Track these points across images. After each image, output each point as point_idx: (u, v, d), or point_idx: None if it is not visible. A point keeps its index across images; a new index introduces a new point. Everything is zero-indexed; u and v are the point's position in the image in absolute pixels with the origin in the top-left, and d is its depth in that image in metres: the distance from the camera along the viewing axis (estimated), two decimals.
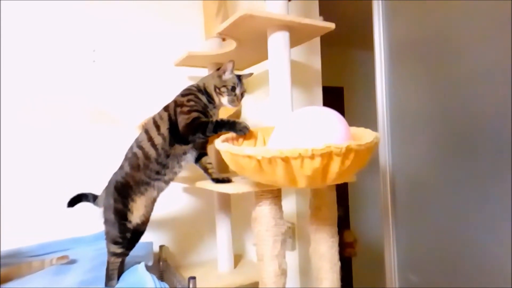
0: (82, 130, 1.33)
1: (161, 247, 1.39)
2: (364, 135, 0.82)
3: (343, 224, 2.97)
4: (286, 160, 0.68)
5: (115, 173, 1.04)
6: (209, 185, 1.04)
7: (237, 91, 1.06)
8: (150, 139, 1.00)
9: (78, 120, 1.32)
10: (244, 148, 0.72)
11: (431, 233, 1.15)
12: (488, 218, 0.97)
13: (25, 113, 1.25)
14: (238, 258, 1.45)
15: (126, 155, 1.04)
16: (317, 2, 1.49)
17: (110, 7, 1.39)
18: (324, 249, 1.05)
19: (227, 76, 1.07)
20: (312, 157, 0.67)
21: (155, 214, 1.11)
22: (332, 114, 0.78)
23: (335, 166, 0.70)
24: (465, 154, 1.03)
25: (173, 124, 1.01)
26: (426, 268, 1.16)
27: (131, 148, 1.04)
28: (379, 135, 0.77)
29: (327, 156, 0.68)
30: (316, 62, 1.44)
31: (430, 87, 1.14)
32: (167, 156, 1.00)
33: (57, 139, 1.29)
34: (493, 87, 0.96)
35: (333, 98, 3.22)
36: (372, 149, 0.75)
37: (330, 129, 0.74)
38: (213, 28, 1.34)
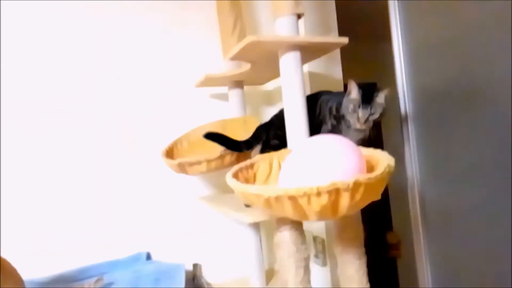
0: (104, 151, 1.38)
1: (194, 265, 1.43)
2: (380, 161, 0.78)
3: (385, 225, 2.87)
4: (292, 198, 0.67)
5: None
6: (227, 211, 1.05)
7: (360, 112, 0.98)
8: None
9: (99, 141, 1.37)
10: (250, 186, 0.71)
11: (463, 242, 1.11)
12: None
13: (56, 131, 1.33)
14: (271, 273, 1.45)
15: None
16: (333, 3, 1.44)
17: (129, 29, 1.43)
18: (352, 271, 1.02)
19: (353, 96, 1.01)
20: (318, 194, 0.65)
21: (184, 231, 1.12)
22: (342, 144, 0.75)
23: (344, 201, 0.68)
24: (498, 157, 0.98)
25: None
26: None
27: None
28: (393, 163, 0.73)
29: (335, 192, 0.66)
30: (337, 72, 1.40)
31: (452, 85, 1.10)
32: None
33: (84, 160, 1.35)
34: None
35: (369, 89, 3.10)
36: (386, 179, 0.71)
37: (338, 162, 0.72)
38: (230, 45, 1.35)
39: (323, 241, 1.35)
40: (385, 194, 2.88)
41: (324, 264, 1.35)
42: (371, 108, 0.98)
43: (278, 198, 0.67)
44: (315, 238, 1.40)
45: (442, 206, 1.20)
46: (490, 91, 1.00)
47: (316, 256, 1.39)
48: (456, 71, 1.10)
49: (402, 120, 1.28)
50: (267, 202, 0.70)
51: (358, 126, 0.99)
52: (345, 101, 1.02)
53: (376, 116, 0.99)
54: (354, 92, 1.00)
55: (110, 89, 1.40)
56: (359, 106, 0.98)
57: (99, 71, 1.38)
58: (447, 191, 1.17)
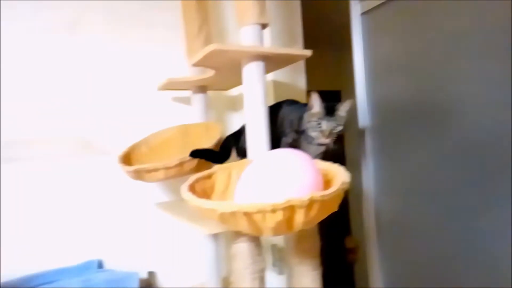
0: (56, 155, 1.31)
1: (150, 273, 1.39)
2: (336, 176, 0.79)
3: (344, 230, 2.94)
4: (247, 214, 0.66)
5: None
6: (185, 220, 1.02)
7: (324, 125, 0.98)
8: None
9: (52, 143, 1.30)
10: (204, 201, 0.70)
11: (414, 249, 1.16)
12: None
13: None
14: (228, 282, 1.44)
15: None
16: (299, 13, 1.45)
17: (91, 35, 1.37)
18: (307, 282, 1.03)
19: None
20: (273, 211, 0.65)
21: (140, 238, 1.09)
22: (299, 160, 0.75)
23: (299, 217, 0.68)
24: (454, 165, 1.04)
25: None
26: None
27: None
28: (348, 178, 0.75)
29: (290, 209, 0.66)
30: (301, 81, 1.42)
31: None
32: None
33: (36, 163, 1.28)
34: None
35: (331, 101, 3.18)
36: (340, 195, 0.72)
37: (295, 178, 0.72)
38: (195, 48, 1.32)
39: (281, 249, 1.36)
40: (345, 199, 2.96)
41: (281, 272, 1.36)
42: (334, 121, 0.98)
43: (232, 214, 0.67)
44: (273, 247, 1.40)
45: (394, 216, 1.24)
46: (447, 108, 1.05)
47: (274, 264, 1.39)
48: (414, 87, 1.14)
49: (360, 133, 1.31)
50: (222, 217, 0.69)
51: (322, 140, 0.99)
52: (307, 116, 1.01)
53: (339, 128, 0.99)
54: (316, 106, 1.00)
55: (66, 90, 1.33)
56: (322, 119, 0.98)
57: (56, 72, 1.32)
58: (399, 202, 1.22)
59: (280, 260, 1.36)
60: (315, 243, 1.04)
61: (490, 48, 0.93)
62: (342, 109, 1.00)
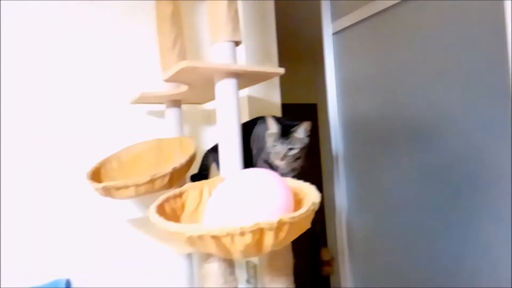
0: (24, 170, 1.26)
1: None
2: (307, 196, 0.79)
3: (320, 242, 2.96)
4: (215, 237, 0.65)
5: None
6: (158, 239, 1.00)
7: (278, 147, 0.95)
8: None
9: (19, 159, 1.26)
10: (172, 224, 0.68)
11: (383, 263, 1.18)
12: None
13: None
14: None
15: None
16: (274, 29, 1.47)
17: (64, 48, 1.34)
18: None
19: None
20: (242, 234, 0.64)
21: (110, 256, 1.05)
22: (270, 180, 0.75)
23: (269, 240, 0.67)
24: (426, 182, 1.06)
25: None
26: None
27: None
28: (318, 199, 0.75)
29: (259, 232, 0.65)
30: (275, 97, 1.42)
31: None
32: None
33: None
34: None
35: (307, 115, 3.22)
36: (310, 216, 0.72)
37: (265, 199, 0.71)
38: (169, 62, 1.31)
39: (255, 266, 1.34)
40: (322, 211, 2.98)
41: None
42: (288, 143, 0.93)
43: (200, 237, 0.65)
44: (247, 263, 1.39)
45: (366, 230, 1.26)
46: (415, 125, 1.07)
47: (248, 281, 1.38)
48: (384, 105, 1.17)
49: (333, 148, 1.33)
50: (190, 240, 0.68)
51: (277, 162, 0.95)
52: (266, 136, 0.99)
53: (295, 151, 0.94)
54: (272, 127, 0.97)
55: (39, 102, 1.29)
56: (277, 141, 0.94)
57: (28, 84, 1.27)
58: (371, 216, 1.24)
59: (254, 276, 1.35)
60: (288, 261, 1.04)
61: (459, 67, 0.96)
62: (300, 131, 0.94)
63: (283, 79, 1.48)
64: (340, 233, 1.35)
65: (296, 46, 2.18)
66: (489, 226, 0.93)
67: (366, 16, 1.07)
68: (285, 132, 0.94)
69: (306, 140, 0.95)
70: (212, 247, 0.68)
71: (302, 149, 0.95)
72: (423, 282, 1.07)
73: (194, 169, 1.21)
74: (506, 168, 0.87)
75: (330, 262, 2.85)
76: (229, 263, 0.94)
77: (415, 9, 1.01)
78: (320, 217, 2.93)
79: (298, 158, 0.96)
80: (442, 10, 0.97)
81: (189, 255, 1.28)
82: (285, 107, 1.50)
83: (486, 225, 0.93)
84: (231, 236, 0.64)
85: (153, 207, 0.78)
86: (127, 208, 1.40)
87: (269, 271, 1.03)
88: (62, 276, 1.28)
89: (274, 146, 0.95)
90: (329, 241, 3.00)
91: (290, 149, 0.93)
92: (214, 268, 0.91)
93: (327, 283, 2.94)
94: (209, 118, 1.59)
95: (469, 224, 0.97)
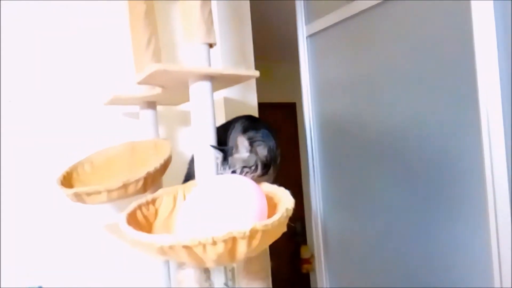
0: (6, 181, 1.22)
1: None
2: (281, 201, 0.79)
3: (300, 239, 2.98)
4: (187, 247, 0.64)
5: None
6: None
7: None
8: None
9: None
10: (142, 234, 0.67)
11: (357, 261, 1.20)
12: None
13: None
14: None
15: None
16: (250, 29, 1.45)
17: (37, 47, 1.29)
18: None
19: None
20: (214, 243, 0.63)
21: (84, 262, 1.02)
22: (243, 187, 0.74)
23: (241, 248, 0.66)
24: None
25: None
26: None
27: None
28: (292, 205, 0.74)
29: (231, 240, 0.64)
30: (252, 99, 1.41)
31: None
32: None
33: None
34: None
35: (286, 113, 3.23)
36: (284, 223, 0.72)
37: (238, 207, 0.71)
38: (143, 61, 1.28)
39: (233, 269, 1.33)
40: (301, 209, 3.00)
41: None
42: (230, 166, 0.89)
43: (171, 247, 0.64)
44: (225, 266, 1.38)
45: (340, 231, 1.28)
46: (389, 126, 1.09)
47: (226, 284, 1.37)
48: (357, 106, 1.18)
49: (308, 148, 1.34)
50: (161, 250, 0.66)
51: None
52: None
53: (244, 170, 0.89)
54: (217, 155, 0.93)
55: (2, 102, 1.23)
56: (222, 167, 0.91)
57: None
58: (345, 216, 1.25)
59: (232, 279, 1.34)
60: (265, 264, 1.04)
61: (429, 69, 0.98)
62: (235, 151, 0.90)
63: (261, 78, 1.47)
64: (317, 232, 1.37)
65: (275, 44, 2.17)
66: (462, 225, 0.95)
67: (340, 19, 1.08)
68: (225, 157, 0.91)
69: (246, 156, 0.90)
70: (184, 257, 0.67)
71: (249, 164, 0.90)
72: (397, 281, 1.09)
73: (170, 171, 1.19)
74: (476, 167, 0.89)
75: (309, 260, 2.88)
76: (205, 269, 0.93)
77: (388, 12, 1.02)
78: (300, 215, 2.94)
79: (255, 170, 0.91)
80: (413, 14, 0.98)
81: (166, 262, 1.26)
82: (263, 106, 1.49)
83: (459, 224, 0.95)
84: (203, 245, 0.63)
85: (123, 216, 0.76)
86: (101, 212, 1.36)
87: (245, 275, 1.02)
88: (34, 283, 1.24)
89: (221, 173, 0.91)
90: (309, 239, 3.03)
91: (233, 172, 0.89)
92: (189, 274, 0.90)
93: (307, 280, 2.97)
94: (186, 120, 1.56)
95: (442, 223, 0.99)
